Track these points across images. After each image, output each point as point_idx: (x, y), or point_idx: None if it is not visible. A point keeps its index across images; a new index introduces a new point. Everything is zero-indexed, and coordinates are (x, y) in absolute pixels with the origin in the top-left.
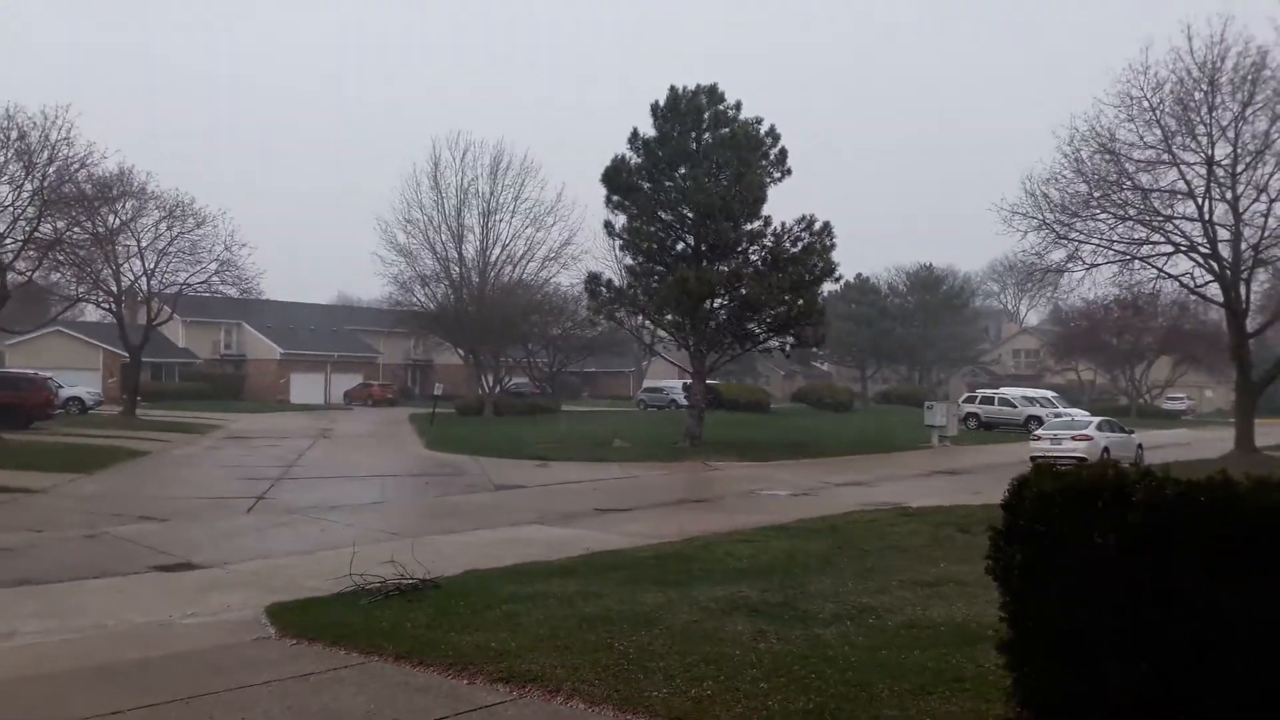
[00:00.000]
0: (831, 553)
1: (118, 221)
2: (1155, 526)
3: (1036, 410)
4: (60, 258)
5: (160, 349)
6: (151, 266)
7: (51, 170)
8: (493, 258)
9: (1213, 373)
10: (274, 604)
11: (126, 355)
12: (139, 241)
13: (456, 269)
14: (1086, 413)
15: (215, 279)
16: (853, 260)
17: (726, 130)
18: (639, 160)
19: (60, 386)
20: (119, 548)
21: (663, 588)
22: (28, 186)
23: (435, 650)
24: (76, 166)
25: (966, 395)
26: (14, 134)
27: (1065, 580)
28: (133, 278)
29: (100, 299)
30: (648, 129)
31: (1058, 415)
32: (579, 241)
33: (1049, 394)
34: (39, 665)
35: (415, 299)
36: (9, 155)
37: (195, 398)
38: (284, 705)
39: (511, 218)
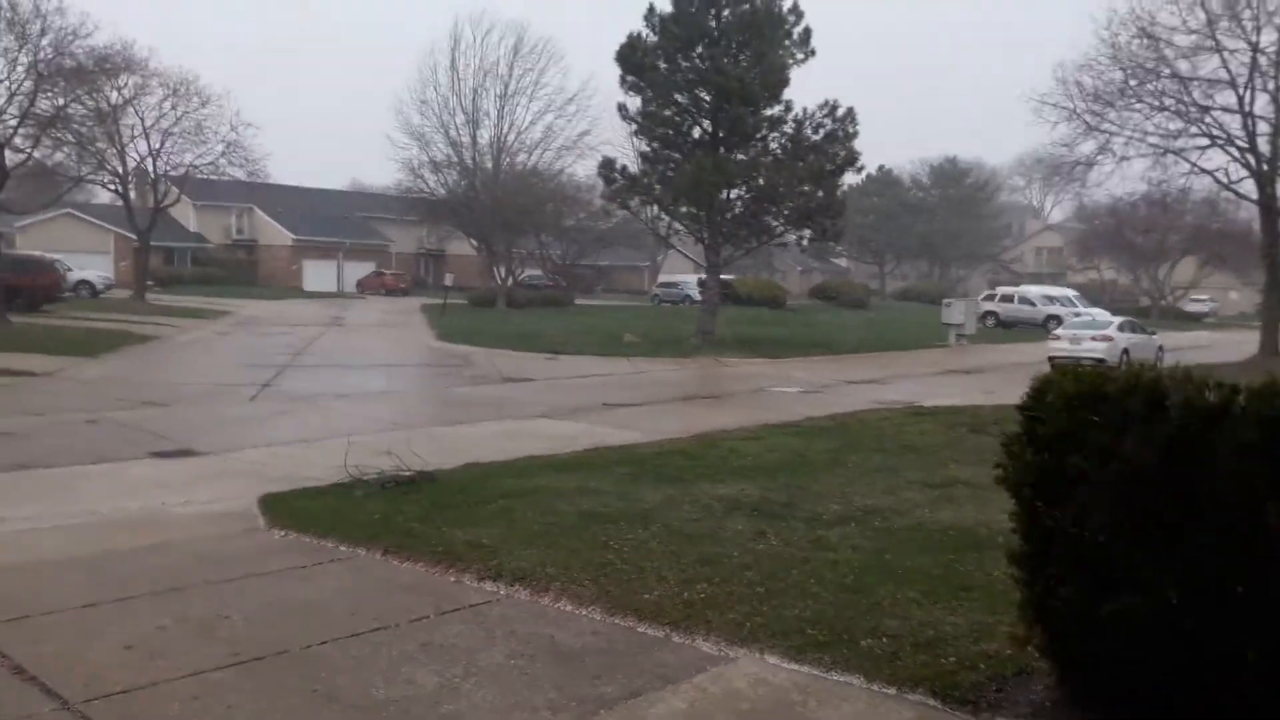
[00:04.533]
0: (840, 451)
1: (120, 99)
2: (1193, 435)
3: (1056, 309)
4: (60, 135)
5: (172, 233)
6: (157, 147)
7: (45, 42)
8: (507, 143)
9: (1239, 274)
10: (268, 494)
11: (136, 239)
12: (143, 121)
13: (470, 154)
14: (1107, 312)
15: (222, 160)
16: (875, 151)
17: (747, 6)
18: (655, 39)
19: (69, 270)
20: (119, 433)
21: (664, 485)
22: (22, 59)
23: (425, 544)
24: (71, 38)
25: (986, 293)
26: (3, 5)
27: (1087, 493)
28: (138, 159)
29: (106, 180)
30: (665, 5)
31: (1078, 315)
32: (598, 132)
33: (1070, 293)
34: (24, 553)
35: (425, 185)
36: (0, 27)
37: (208, 283)
38: (263, 600)
39: (529, 103)
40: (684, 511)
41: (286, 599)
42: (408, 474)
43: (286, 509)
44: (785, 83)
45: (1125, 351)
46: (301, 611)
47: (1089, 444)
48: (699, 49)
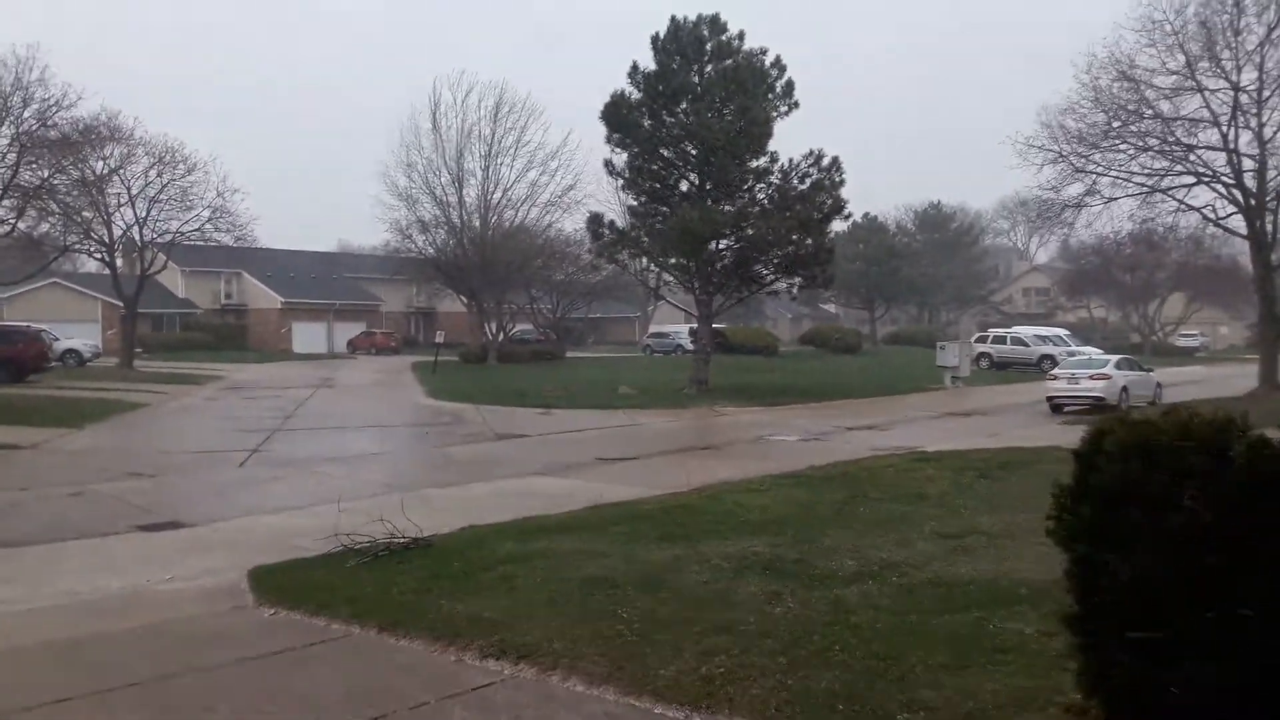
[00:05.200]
0: (847, 502)
1: (106, 168)
2: (1261, 486)
3: (1050, 349)
4: (45, 206)
5: (160, 299)
6: (143, 215)
7: (28, 114)
8: (493, 201)
9: (1227, 308)
10: (257, 566)
11: (123, 306)
12: (129, 189)
13: (457, 214)
14: (1100, 351)
15: (209, 226)
16: (860, 199)
17: (730, 62)
18: (639, 95)
19: (56, 339)
20: (104, 506)
21: (670, 544)
22: (5, 131)
23: (423, 620)
24: (54, 109)
25: (978, 335)
26: None
27: (1148, 549)
28: (124, 227)
29: (92, 249)
30: (649, 62)
31: (1071, 354)
32: (583, 186)
33: (1062, 332)
34: None
35: (414, 245)
36: None
37: (197, 348)
38: (252, 690)
39: (513, 161)
40: (693, 573)
41: (277, 686)
42: (402, 541)
43: (276, 583)
44: (770, 135)
45: (1124, 390)
46: (292, 701)
47: (1147, 496)
48: (683, 104)
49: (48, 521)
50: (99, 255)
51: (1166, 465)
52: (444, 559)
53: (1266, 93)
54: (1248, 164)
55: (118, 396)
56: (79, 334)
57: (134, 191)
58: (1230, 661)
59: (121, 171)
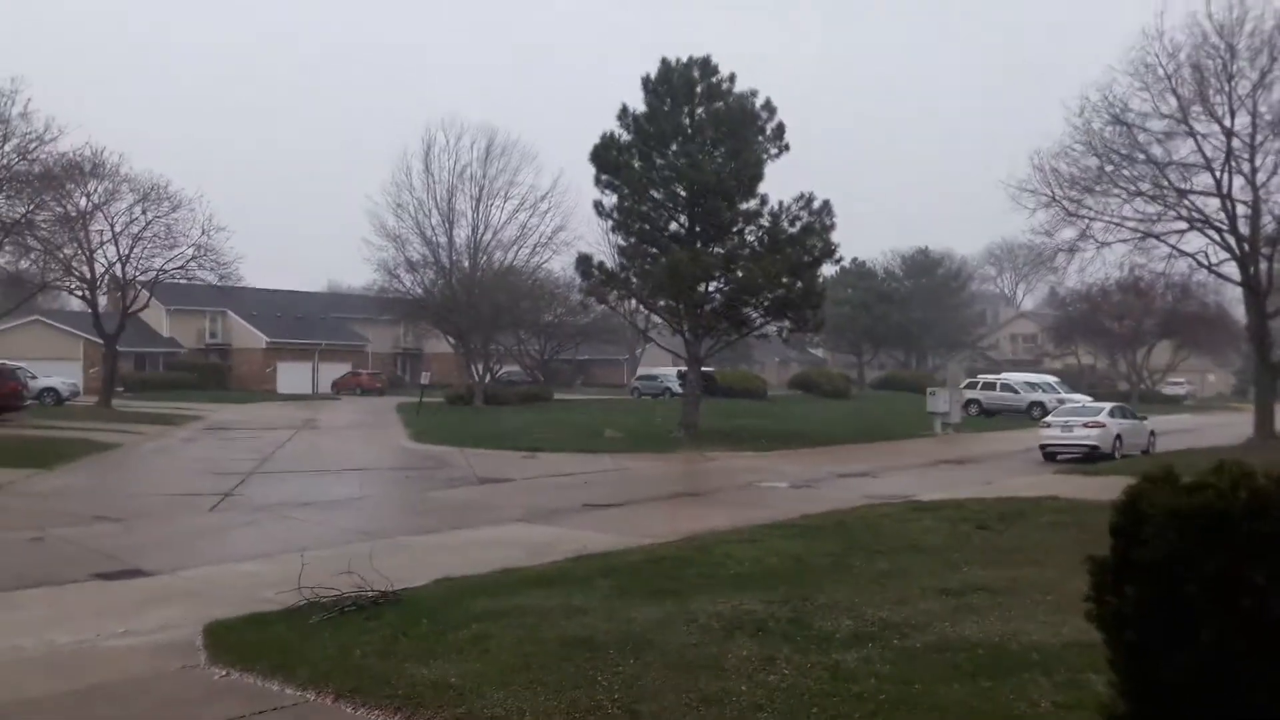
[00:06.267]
0: (842, 554)
1: (89, 205)
2: None
3: (1039, 396)
4: (24, 241)
5: (144, 338)
6: (126, 252)
7: (8, 148)
8: (483, 242)
9: (1214, 356)
10: (214, 622)
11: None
12: (112, 226)
13: (446, 254)
14: (1089, 398)
15: (193, 264)
16: (847, 243)
17: (720, 104)
18: (629, 137)
19: (34, 377)
20: (64, 552)
21: (656, 600)
22: None
23: (384, 686)
24: (36, 143)
25: (967, 381)
26: None
27: (1214, 635)
28: (107, 264)
29: (73, 286)
30: (638, 104)
31: (1061, 401)
32: (573, 227)
33: (1051, 379)
34: None
35: (401, 284)
36: None
37: (180, 388)
38: None
39: (504, 203)
40: (680, 634)
41: None
42: (370, 595)
43: (232, 641)
44: (760, 177)
45: (1118, 438)
46: None
47: (1210, 573)
48: (673, 146)
49: (2, 569)
50: (80, 292)
51: (1231, 535)
52: (413, 615)
53: (1260, 137)
54: (1241, 209)
55: (92, 436)
56: (60, 372)
57: (117, 228)
58: None
59: (105, 208)
